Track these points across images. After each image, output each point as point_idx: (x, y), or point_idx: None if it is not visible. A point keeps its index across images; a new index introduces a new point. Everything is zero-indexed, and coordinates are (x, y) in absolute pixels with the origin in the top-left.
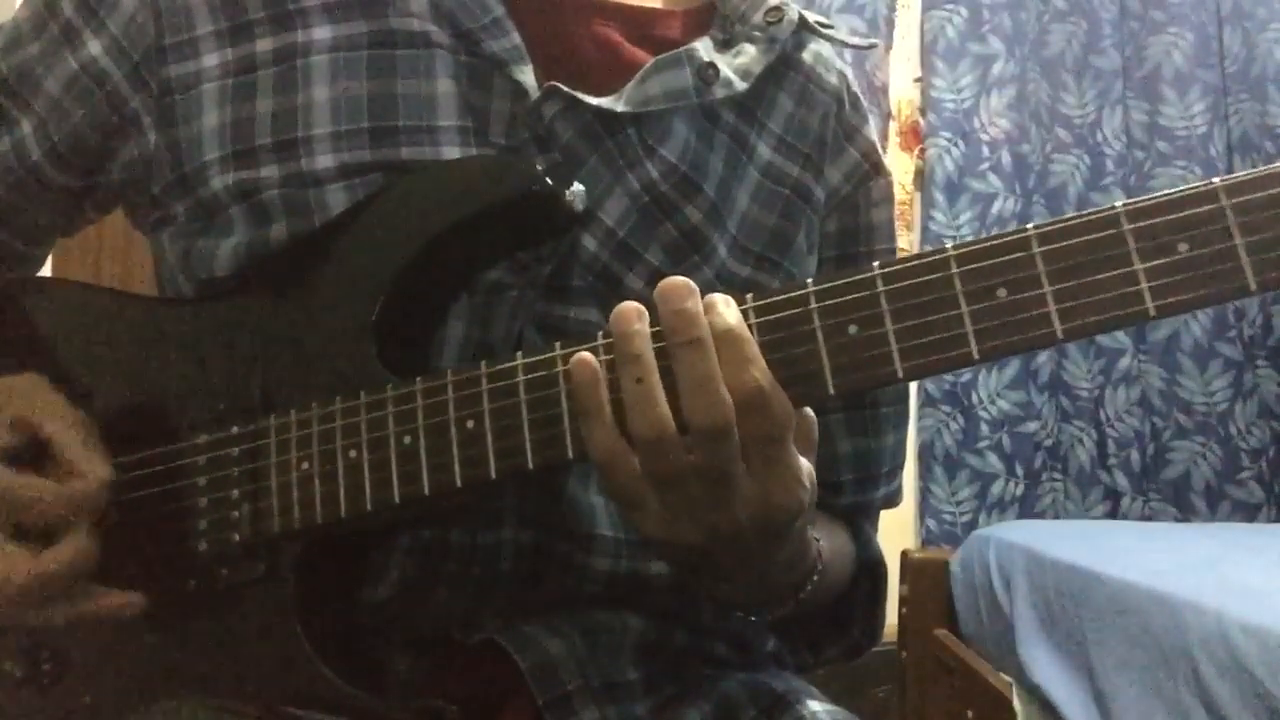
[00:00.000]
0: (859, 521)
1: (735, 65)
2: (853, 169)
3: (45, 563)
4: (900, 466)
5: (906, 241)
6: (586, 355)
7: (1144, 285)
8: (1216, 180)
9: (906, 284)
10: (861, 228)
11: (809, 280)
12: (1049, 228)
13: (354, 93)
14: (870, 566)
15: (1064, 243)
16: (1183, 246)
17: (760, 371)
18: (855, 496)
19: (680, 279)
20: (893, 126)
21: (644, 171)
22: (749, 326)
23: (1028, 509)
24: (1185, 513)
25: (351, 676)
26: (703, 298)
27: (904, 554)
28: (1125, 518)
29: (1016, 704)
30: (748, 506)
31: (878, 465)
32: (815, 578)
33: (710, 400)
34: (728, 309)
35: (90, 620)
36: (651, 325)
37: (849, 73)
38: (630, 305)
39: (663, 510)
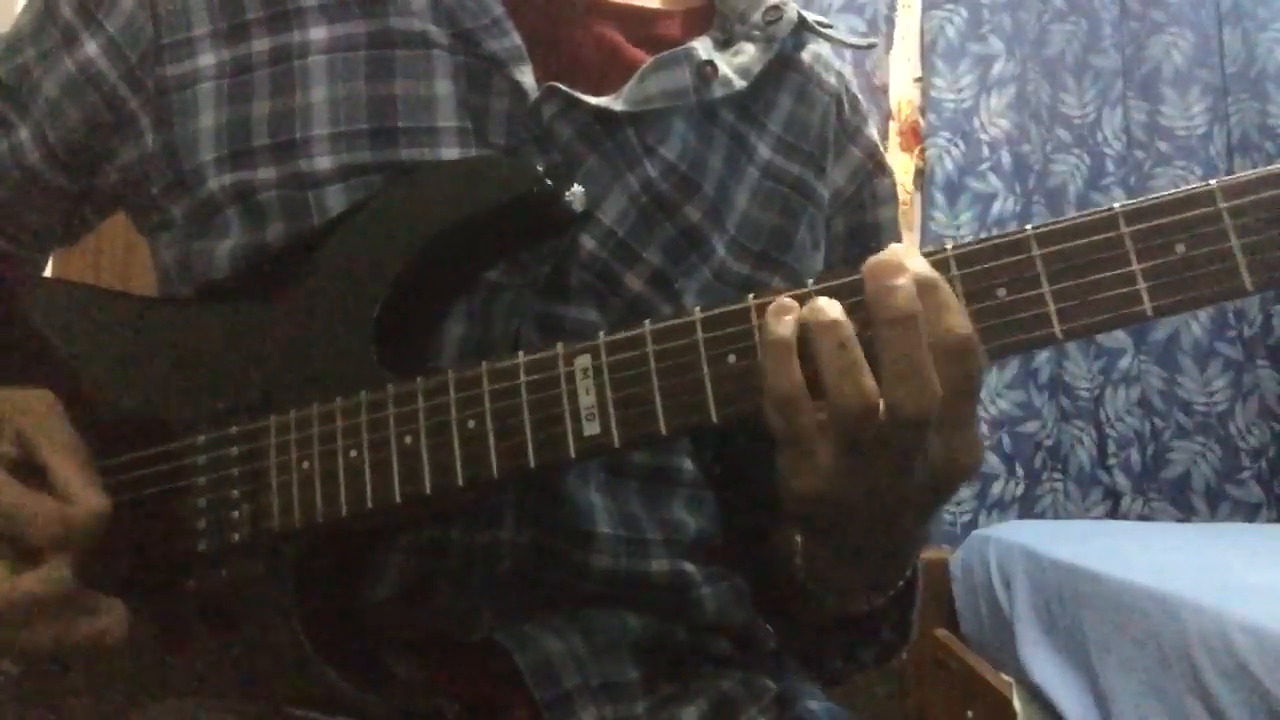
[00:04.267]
0: None
1: (734, 64)
2: (856, 169)
3: (19, 586)
4: None
5: (907, 241)
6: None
7: (1141, 285)
8: (1213, 182)
9: None
10: (869, 227)
11: (809, 280)
12: (1048, 228)
13: (353, 94)
14: None
15: (1063, 244)
16: (1180, 247)
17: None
18: None
19: (892, 255)
20: (893, 126)
21: (643, 171)
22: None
23: (1028, 509)
24: (1185, 513)
25: (352, 676)
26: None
27: None
28: (1125, 518)
29: (1016, 704)
30: (933, 466)
31: None
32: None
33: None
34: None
35: (68, 646)
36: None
37: (848, 73)
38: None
39: (834, 465)
